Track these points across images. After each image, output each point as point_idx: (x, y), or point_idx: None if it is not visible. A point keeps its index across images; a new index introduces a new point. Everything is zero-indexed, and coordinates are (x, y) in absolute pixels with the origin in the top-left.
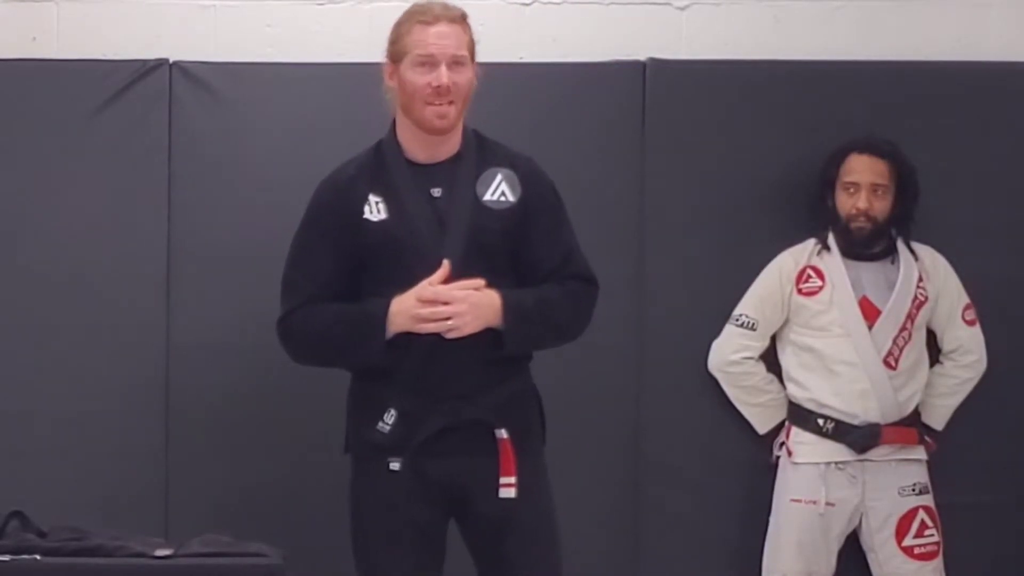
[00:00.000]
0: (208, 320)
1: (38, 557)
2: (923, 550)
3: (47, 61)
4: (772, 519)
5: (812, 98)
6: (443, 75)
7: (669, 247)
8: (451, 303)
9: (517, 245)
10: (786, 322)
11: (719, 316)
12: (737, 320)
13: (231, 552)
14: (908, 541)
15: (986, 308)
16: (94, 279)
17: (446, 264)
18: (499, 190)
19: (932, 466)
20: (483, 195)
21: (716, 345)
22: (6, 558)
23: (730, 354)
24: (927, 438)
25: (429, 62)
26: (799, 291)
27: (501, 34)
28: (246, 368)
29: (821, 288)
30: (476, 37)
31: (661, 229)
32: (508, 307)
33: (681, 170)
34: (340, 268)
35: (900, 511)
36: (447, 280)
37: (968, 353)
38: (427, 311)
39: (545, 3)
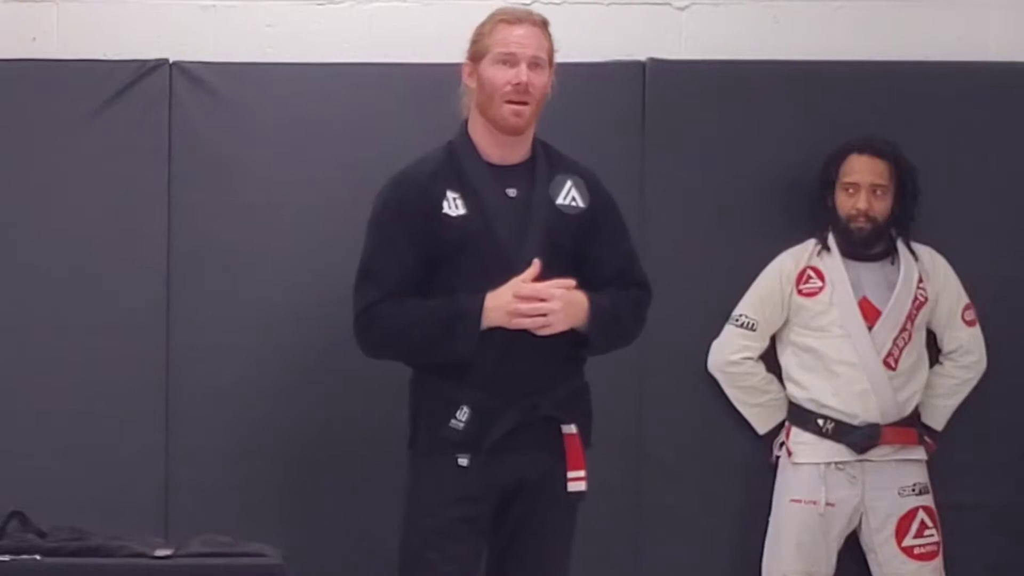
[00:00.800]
0: (208, 320)
1: (38, 557)
2: (923, 550)
3: (47, 61)
4: (772, 519)
5: (812, 98)
6: (523, 72)
7: (669, 247)
8: (548, 300)
9: (583, 250)
10: (786, 322)
11: (719, 316)
12: (737, 320)
13: (231, 552)
14: (908, 541)
15: (986, 308)
16: (94, 279)
17: (537, 263)
18: (570, 195)
19: (932, 466)
20: (556, 199)
21: (716, 345)
22: (6, 558)
23: (730, 354)
24: (927, 438)
25: (510, 60)
26: (799, 291)
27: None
28: (246, 368)
29: (821, 289)
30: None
31: (661, 229)
32: (594, 309)
33: (681, 170)
34: (419, 263)
35: (900, 511)
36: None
37: (968, 353)
38: (526, 307)
39: (545, 3)
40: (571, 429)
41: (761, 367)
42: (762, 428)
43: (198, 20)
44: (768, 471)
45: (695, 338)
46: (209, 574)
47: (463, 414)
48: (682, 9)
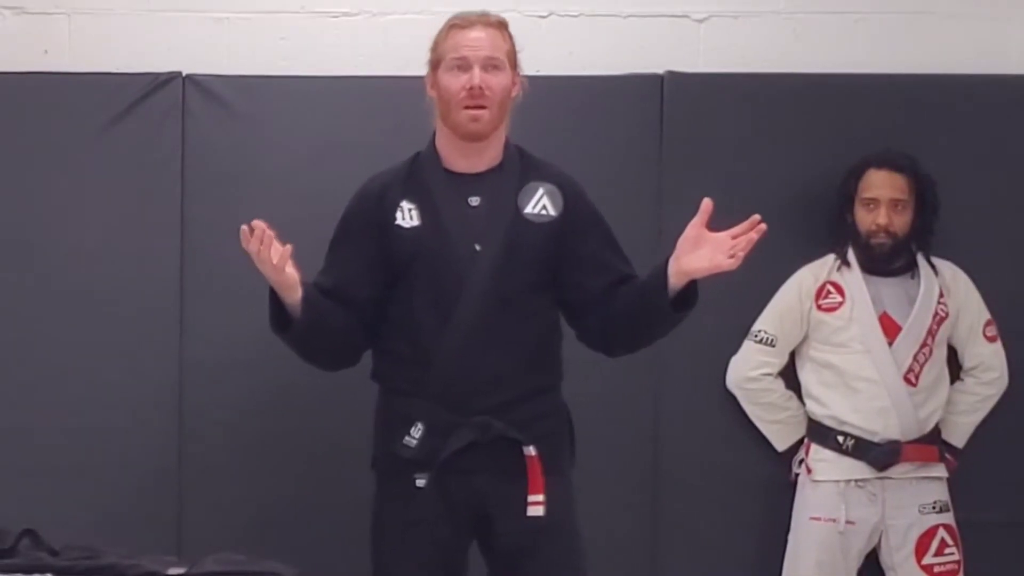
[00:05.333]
0: (221, 335)
1: None
2: (943, 568)
3: (59, 74)
4: (791, 537)
5: (831, 111)
6: (476, 76)
7: None
8: None
9: (558, 261)
10: (805, 338)
11: (738, 332)
12: (756, 336)
13: (245, 571)
14: (928, 559)
15: (1008, 324)
16: (106, 293)
17: (709, 202)
18: (540, 204)
19: (953, 484)
20: (524, 207)
21: (734, 361)
22: None
23: (748, 371)
24: (948, 455)
25: (463, 64)
26: (819, 307)
27: (518, 46)
28: (259, 384)
29: (841, 304)
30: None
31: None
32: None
33: (699, 183)
34: (363, 273)
35: (920, 529)
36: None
37: (989, 370)
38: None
39: (562, 16)
40: (531, 451)
41: (780, 383)
42: (781, 445)
43: (211, 33)
44: (787, 488)
45: (713, 354)
46: None
47: (417, 431)
48: (700, 22)
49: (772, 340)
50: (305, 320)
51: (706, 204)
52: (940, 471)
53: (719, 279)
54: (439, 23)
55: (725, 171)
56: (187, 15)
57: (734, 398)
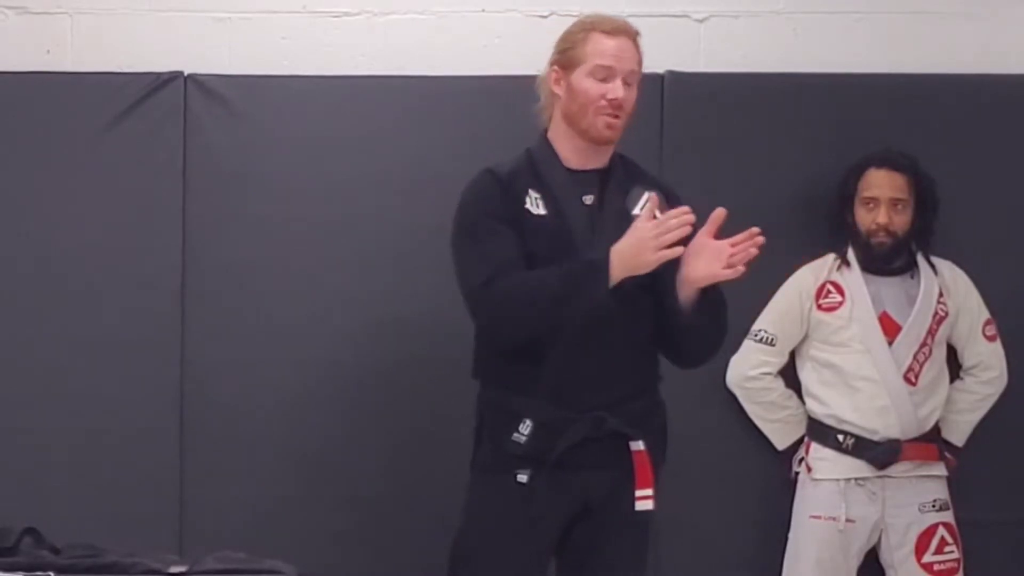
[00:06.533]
0: (223, 334)
1: (52, 574)
2: (943, 567)
3: (61, 74)
4: (791, 536)
5: (831, 111)
6: (619, 88)
7: None
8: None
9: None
10: (805, 338)
11: (738, 331)
12: (756, 336)
13: (246, 569)
14: (928, 558)
15: (1007, 323)
16: (108, 293)
17: (722, 211)
18: (646, 207)
19: (952, 482)
20: (632, 209)
21: (735, 361)
22: (20, 575)
23: (749, 370)
24: (947, 454)
25: (607, 74)
26: (819, 306)
27: (519, 46)
28: (260, 383)
29: (841, 304)
30: (494, 48)
31: None
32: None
33: (699, 183)
34: (517, 245)
35: (920, 527)
36: None
37: (989, 369)
38: (674, 222)
39: (563, 16)
40: (639, 446)
41: (780, 382)
42: (781, 444)
43: (213, 33)
44: (787, 487)
45: None
46: None
47: (526, 427)
48: (701, 22)
49: (772, 339)
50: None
51: (717, 214)
52: (940, 470)
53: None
54: (439, 23)
55: (725, 171)
56: (189, 15)
57: (734, 397)
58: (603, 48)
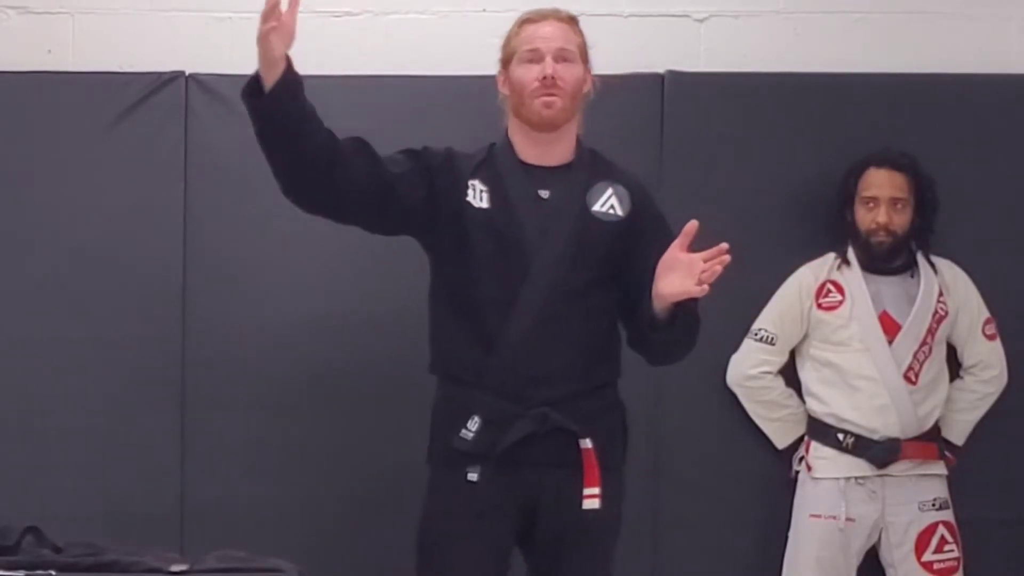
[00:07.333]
0: (224, 332)
1: (53, 573)
2: (943, 565)
3: (62, 74)
4: (791, 535)
5: (831, 111)
6: (548, 65)
7: None
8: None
9: (623, 261)
10: (805, 337)
11: (738, 330)
12: (756, 335)
13: (247, 567)
14: (928, 556)
15: (1007, 322)
16: (109, 291)
17: (695, 223)
18: (608, 203)
19: (952, 481)
20: (592, 205)
21: (735, 360)
22: (21, 573)
23: (749, 369)
24: (947, 453)
25: (534, 56)
26: (819, 305)
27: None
28: (262, 381)
29: (841, 303)
30: (495, 48)
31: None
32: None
33: (699, 183)
34: (409, 180)
35: (920, 526)
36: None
37: (988, 368)
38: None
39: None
40: (587, 444)
41: (780, 381)
42: (781, 443)
43: (214, 32)
44: (787, 486)
45: (714, 352)
46: None
47: (474, 424)
48: (701, 21)
49: (772, 338)
50: (277, 99)
51: (690, 227)
52: (940, 468)
53: (719, 277)
54: (441, 22)
55: (725, 170)
56: (190, 15)
57: (734, 396)
58: (528, 34)
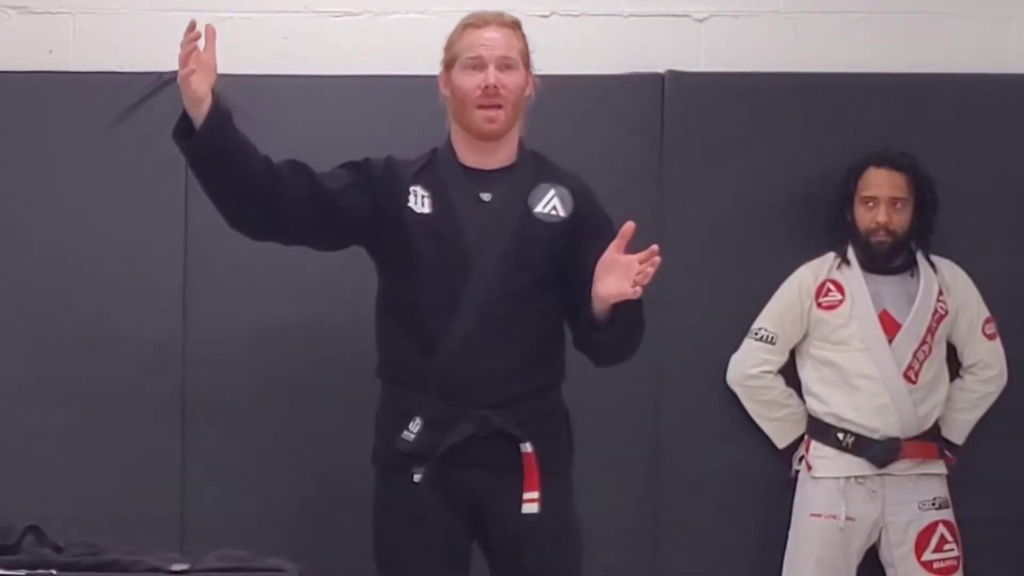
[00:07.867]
0: (225, 332)
1: (54, 572)
2: (943, 565)
3: (63, 74)
4: (791, 534)
5: (831, 110)
6: (491, 75)
7: (687, 260)
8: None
9: (567, 262)
10: (805, 336)
11: (738, 330)
12: (756, 334)
13: (248, 567)
14: (928, 556)
15: (1007, 322)
16: (110, 291)
17: (632, 224)
18: (551, 204)
19: (952, 481)
20: (534, 207)
21: (735, 359)
22: (22, 573)
23: (749, 368)
24: (947, 452)
25: (477, 64)
26: (819, 305)
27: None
28: (263, 381)
29: (841, 302)
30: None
31: (679, 242)
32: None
33: (700, 183)
34: (350, 193)
35: (920, 525)
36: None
37: (988, 367)
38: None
39: (564, 15)
40: (527, 448)
41: (780, 381)
42: (781, 442)
43: None
44: (787, 485)
45: (714, 351)
46: None
47: (416, 425)
48: (701, 21)
49: (772, 338)
50: (207, 137)
51: (626, 228)
52: (940, 468)
53: (720, 277)
54: (441, 23)
55: (725, 170)
56: (190, 15)
57: (734, 395)
58: (471, 40)
